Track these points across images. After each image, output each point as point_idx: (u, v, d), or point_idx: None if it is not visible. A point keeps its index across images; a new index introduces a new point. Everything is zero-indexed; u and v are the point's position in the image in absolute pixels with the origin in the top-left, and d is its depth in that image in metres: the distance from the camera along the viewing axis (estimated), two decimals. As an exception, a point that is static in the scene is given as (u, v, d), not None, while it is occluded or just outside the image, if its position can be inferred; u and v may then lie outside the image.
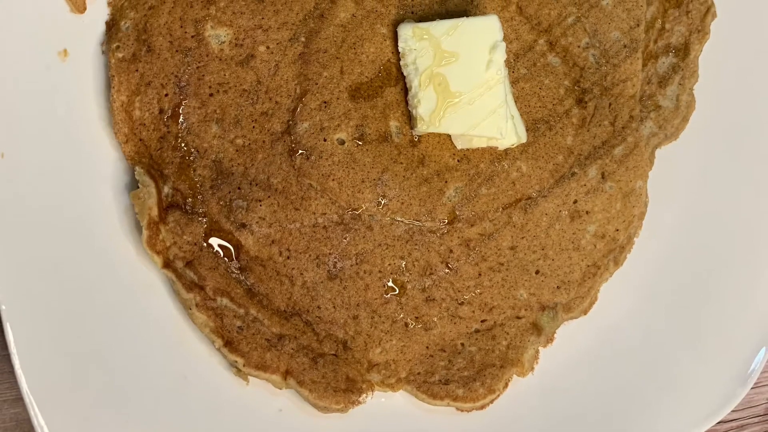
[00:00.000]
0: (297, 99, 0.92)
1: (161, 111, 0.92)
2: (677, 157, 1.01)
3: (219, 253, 0.91)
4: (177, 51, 0.92)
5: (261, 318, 0.91)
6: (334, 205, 0.92)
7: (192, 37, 0.92)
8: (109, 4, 0.94)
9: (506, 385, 0.94)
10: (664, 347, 0.98)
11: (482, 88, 0.89)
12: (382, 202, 0.92)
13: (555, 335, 0.97)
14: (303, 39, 0.93)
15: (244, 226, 0.90)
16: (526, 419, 0.96)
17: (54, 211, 0.89)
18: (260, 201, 0.91)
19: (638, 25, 0.98)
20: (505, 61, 0.90)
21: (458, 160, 0.94)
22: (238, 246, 0.91)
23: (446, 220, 0.93)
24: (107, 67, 0.93)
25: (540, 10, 0.97)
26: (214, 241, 0.91)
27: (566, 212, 0.96)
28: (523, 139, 0.93)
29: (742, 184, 1.01)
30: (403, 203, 0.93)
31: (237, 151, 0.91)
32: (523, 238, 0.95)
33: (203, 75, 0.92)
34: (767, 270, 0.99)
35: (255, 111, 0.92)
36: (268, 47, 0.93)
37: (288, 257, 0.91)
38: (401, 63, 0.92)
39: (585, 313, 0.98)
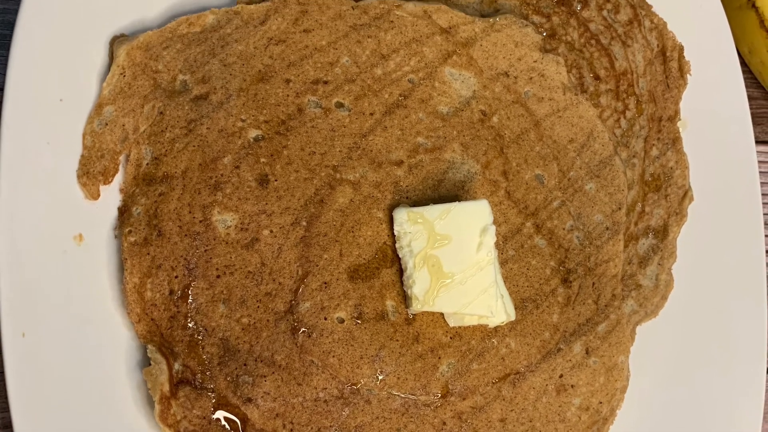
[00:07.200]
0: (299, 280, 0.97)
1: (171, 292, 0.96)
2: (657, 332, 1.05)
3: (226, 426, 0.95)
4: (186, 235, 0.96)
5: (266, 486, 0.95)
6: (335, 380, 0.96)
7: (200, 221, 0.96)
8: (121, 191, 0.98)
9: None
10: None
11: (474, 268, 0.93)
12: (380, 378, 0.96)
13: (543, 501, 1.01)
14: (304, 223, 0.97)
15: (250, 400, 0.95)
16: None
17: (71, 386, 0.94)
18: (265, 377, 0.95)
19: (620, 209, 1.02)
20: (494, 243, 0.93)
21: (451, 337, 0.98)
22: (244, 419, 0.95)
23: (440, 394, 0.97)
24: (120, 251, 0.97)
25: (527, 195, 1.02)
26: (222, 415, 0.95)
27: (552, 386, 1.00)
28: (512, 317, 0.96)
29: (718, 361, 1.05)
30: (399, 378, 0.97)
31: (243, 329, 0.96)
32: (512, 410, 0.99)
33: (211, 258, 0.96)
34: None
35: (259, 291, 0.96)
36: (271, 231, 0.97)
37: (291, 430, 0.95)
38: (396, 245, 0.97)
39: (571, 482, 1.01)
